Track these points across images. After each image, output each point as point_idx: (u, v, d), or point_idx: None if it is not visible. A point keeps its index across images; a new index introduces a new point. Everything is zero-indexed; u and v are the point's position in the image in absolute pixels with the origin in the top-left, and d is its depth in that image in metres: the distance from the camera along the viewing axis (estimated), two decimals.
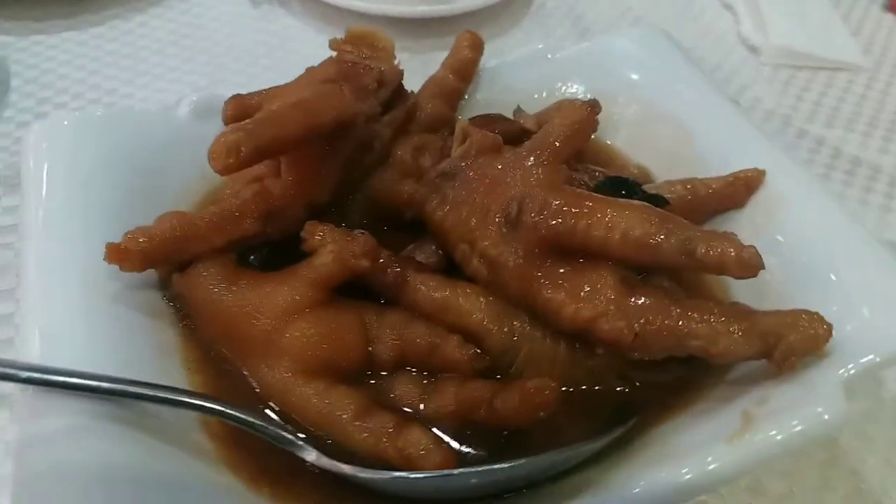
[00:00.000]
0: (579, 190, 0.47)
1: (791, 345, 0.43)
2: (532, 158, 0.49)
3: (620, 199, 0.46)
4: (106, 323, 0.45)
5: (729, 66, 0.94)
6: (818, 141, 0.83)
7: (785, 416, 0.41)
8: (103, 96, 0.83)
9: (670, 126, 0.60)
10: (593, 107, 0.49)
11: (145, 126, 0.56)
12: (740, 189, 0.55)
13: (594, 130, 0.49)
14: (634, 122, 0.62)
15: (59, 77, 0.85)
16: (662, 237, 0.43)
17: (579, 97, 0.64)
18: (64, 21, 0.93)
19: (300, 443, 0.42)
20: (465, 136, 0.52)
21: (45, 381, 0.40)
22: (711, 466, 0.39)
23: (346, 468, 0.41)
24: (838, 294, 0.48)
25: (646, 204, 0.45)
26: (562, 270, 0.46)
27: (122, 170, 0.54)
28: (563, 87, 0.66)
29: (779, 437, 0.40)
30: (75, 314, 0.45)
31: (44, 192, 0.51)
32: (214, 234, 0.47)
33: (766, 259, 0.50)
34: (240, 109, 0.56)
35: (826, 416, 0.40)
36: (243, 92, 0.56)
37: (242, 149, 0.42)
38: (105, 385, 0.40)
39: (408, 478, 0.41)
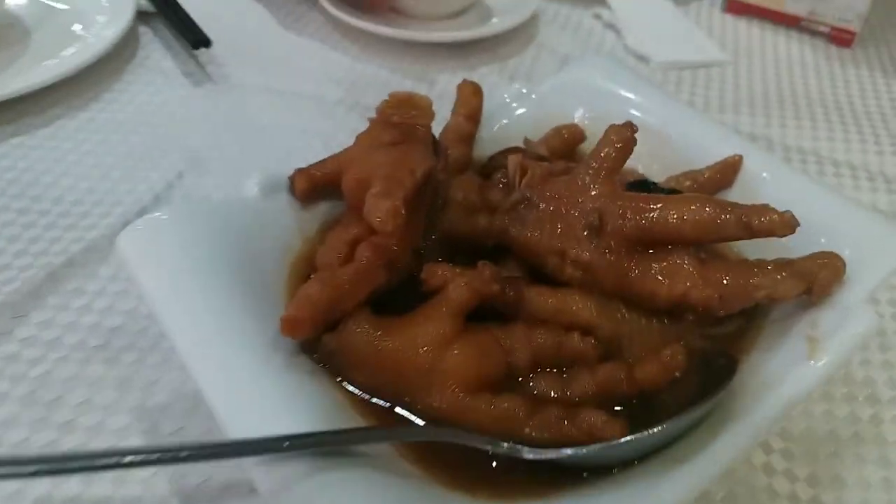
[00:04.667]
0: (638, 194, 0.58)
1: (825, 278, 0.56)
2: (590, 176, 0.59)
3: (674, 195, 0.58)
4: (290, 391, 0.50)
5: None
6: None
7: (840, 330, 0.54)
8: (84, 196, 0.83)
9: (649, 133, 0.72)
10: (632, 127, 0.60)
11: (230, 213, 0.60)
12: (728, 172, 0.69)
13: (634, 146, 0.60)
14: None
15: (28, 185, 0.84)
16: (725, 216, 0.55)
17: (567, 122, 0.76)
18: (8, 127, 0.90)
19: (500, 443, 0.49)
20: (524, 170, 0.62)
21: (274, 449, 0.44)
22: (809, 380, 0.52)
23: (533, 453, 0.49)
24: (824, 244, 0.61)
25: (697, 194, 0.57)
26: (648, 260, 0.56)
27: (220, 255, 0.57)
28: (549, 117, 0.77)
29: (843, 348, 0.53)
30: (265, 391, 0.49)
31: (167, 290, 0.53)
32: (359, 289, 0.53)
33: None
34: (309, 182, 0.62)
35: (870, 324, 0.54)
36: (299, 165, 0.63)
37: (402, 211, 0.49)
38: (327, 438, 0.45)
39: (588, 450, 0.49)
